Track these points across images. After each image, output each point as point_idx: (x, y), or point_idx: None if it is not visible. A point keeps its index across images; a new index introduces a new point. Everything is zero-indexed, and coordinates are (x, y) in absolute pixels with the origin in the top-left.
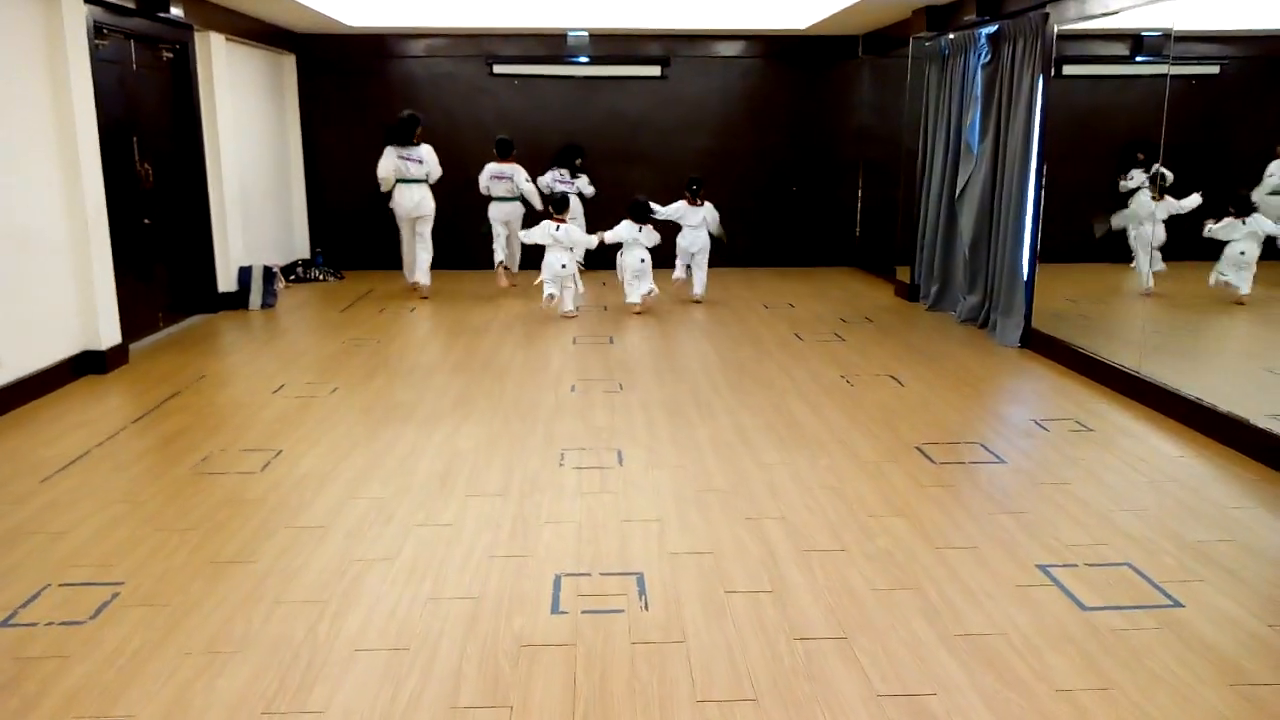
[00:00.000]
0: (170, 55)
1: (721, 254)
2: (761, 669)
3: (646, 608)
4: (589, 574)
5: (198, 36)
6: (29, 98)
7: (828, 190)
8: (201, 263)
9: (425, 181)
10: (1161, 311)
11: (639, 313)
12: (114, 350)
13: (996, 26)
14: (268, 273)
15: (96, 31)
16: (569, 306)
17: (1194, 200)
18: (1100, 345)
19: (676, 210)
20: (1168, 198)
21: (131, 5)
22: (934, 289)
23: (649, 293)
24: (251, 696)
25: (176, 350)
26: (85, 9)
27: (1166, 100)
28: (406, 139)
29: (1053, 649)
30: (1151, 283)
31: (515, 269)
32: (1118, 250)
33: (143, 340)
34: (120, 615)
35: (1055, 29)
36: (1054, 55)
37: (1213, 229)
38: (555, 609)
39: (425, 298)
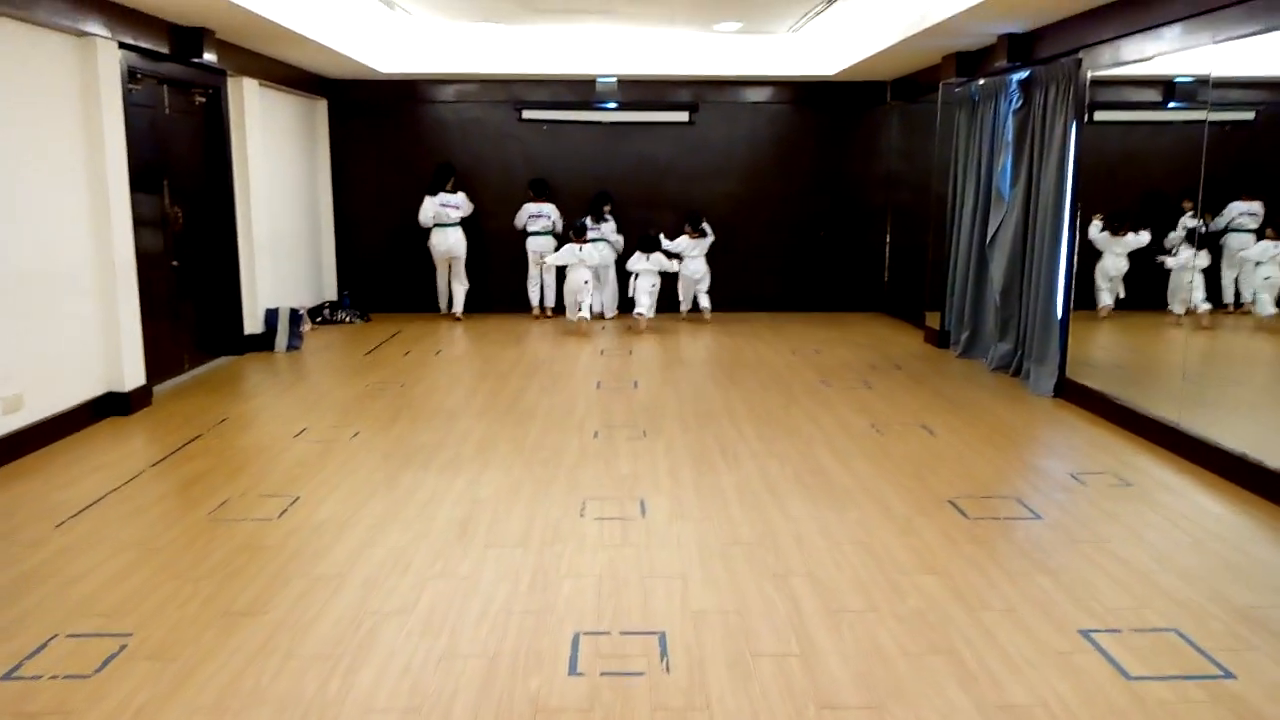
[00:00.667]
0: (203, 100)
1: (749, 299)
2: None
3: (668, 670)
4: (609, 632)
5: (230, 81)
6: (61, 139)
7: (856, 236)
8: (229, 305)
9: (459, 225)
10: (1202, 360)
11: (644, 330)
12: (138, 392)
13: (1028, 72)
14: (294, 315)
15: (130, 76)
16: (586, 314)
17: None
18: (1137, 395)
19: (680, 245)
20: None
21: (166, 50)
22: (965, 336)
23: (647, 313)
24: None
25: (201, 392)
26: (120, 53)
27: (1205, 146)
28: (442, 186)
29: None
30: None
31: (551, 302)
32: (1151, 297)
33: (168, 382)
34: (127, 669)
35: (1089, 75)
36: (1087, 101)
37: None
38: (573, 670)
39: (459, 319)
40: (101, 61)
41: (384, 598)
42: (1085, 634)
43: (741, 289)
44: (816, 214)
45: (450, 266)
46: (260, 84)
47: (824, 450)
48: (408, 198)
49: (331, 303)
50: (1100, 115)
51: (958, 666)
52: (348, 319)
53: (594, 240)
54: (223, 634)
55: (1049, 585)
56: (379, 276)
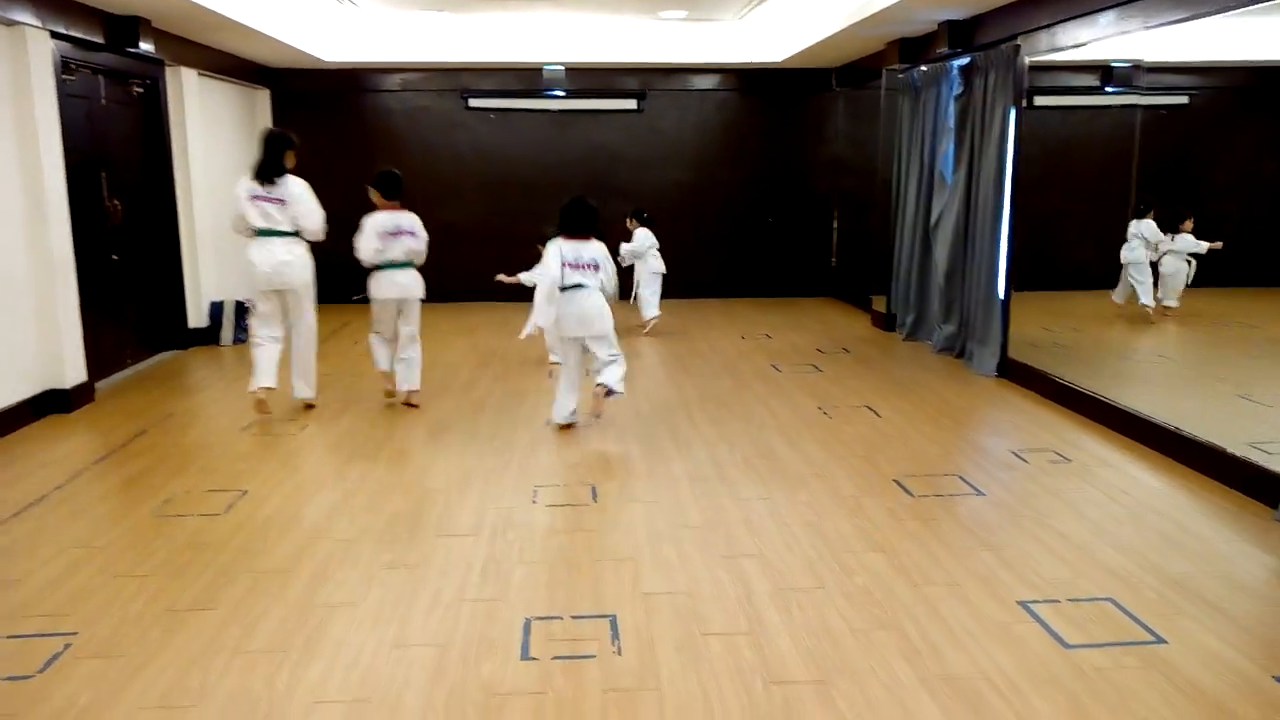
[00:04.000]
0: (141, 90)
1: (700, 285)
2: (737, 716)
3: (620, 652)
4: (561, 617)
5: (169, 71)
6: None
7: (804, 221)
8: (172, 298)
9: (414, 264)
10: (1139, 339)
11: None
12: (79, 389)
13: (969, 58)
14: (240, 308)
15: (64, 66)
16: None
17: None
18: (1077, 374)
19: (643, 239)
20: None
21: (100, 40)
22: (910, 319)
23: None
24: None
25: (145, 388)
26: (52, 43)
27: (1138, 130)
28: (394, 193)
29: (1036, 691)
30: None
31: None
32: (1098, 278)
33: (111, 378)
34: (71, 669)
35: (1026, 61)
36: (1025, 86)
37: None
38: (525, 655)
39: (416, 405)
40: (32, 51)
41: (333, 590)
42: (1025, 605)
43: (692, 275)
44: (765, 200)
45: (399, 317)
46: (200, 74)
47: (774, 433)
48: (354, 189)
49: None
50: (1040, 100)
51: (902, 640)
52: None
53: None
54: (169, 631)
55: (990, 559)
56: (328, 267)
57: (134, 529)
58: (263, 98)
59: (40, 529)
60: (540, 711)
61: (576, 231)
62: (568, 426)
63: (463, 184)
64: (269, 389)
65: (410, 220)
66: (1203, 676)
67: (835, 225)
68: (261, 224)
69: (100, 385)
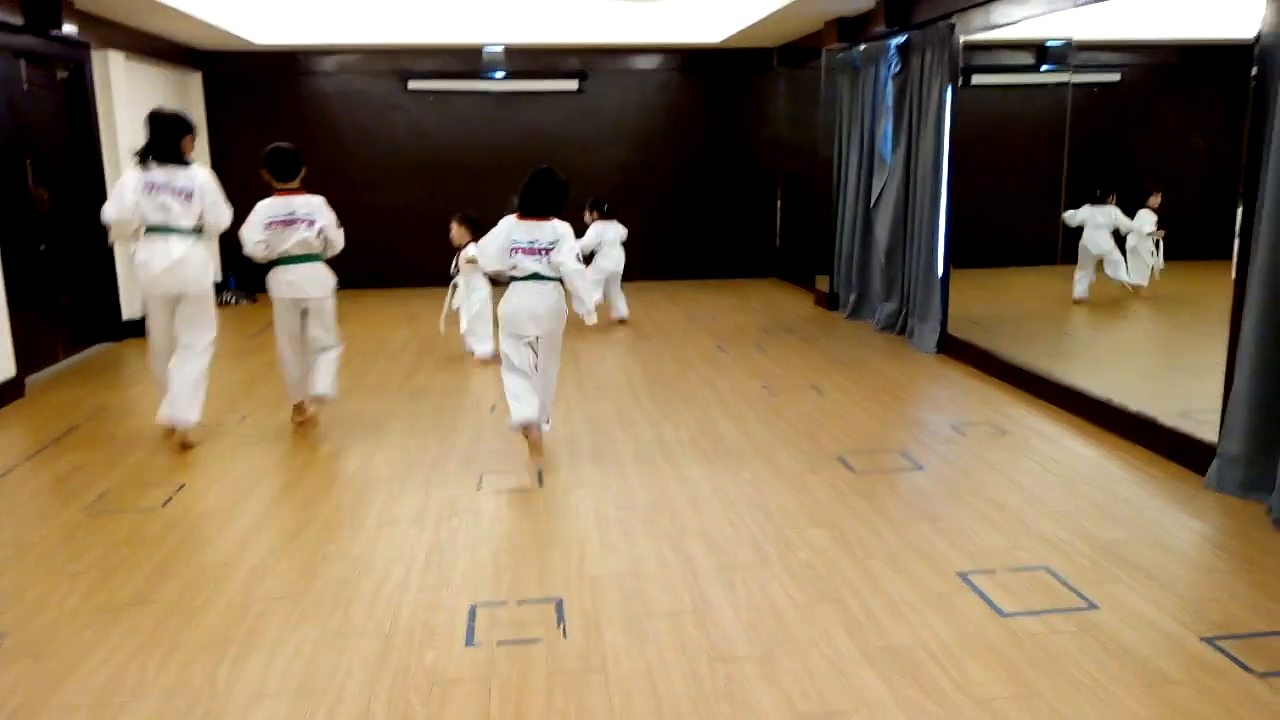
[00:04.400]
0: (65, 74)
1: (644, 267)
2: (682, 694)
3: (565, 635)
4: (506, 602)
5: (95, 55)
6: None
7: (747, 202)
8: (104, 289)
9: (319, 258)
10: (1076, 313)
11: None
12: (7, 384)
13: (905, 37)
14: None
15: None
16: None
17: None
18: (1014, 348)
19: (598, 233)
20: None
21: (18, 22)
22: (852, 298)
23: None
24: None
25: (77, 381)
26: None
27: (1069, 108)
28: (287, 174)
29: (973, 658)
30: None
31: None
32: (1035, 253)
33: (41, 372)
34: (1, 670)
35: (961, 39)
36: (960, 64)
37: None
38: (470, 641)
39: (303, 422)
40: None
41: (274, 582)
42: (963, 576)
43: (637, 258)
44: (707, 181)
45: (304, 321)
46: (127, 57)
47: (719, 414)
48: None
49: (216, 284)
50: (977, 79)
51: (844, 613)
52: (233, 300)
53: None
54: (104, 629)
55: (929, 532)
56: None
57: (66, 526)
58: (194, 81)
59: None
60: (484, 697)
61: (533, 210)
62: (528, 429)
63: (402, 167)
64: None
65: (308, 205)
66: (1133, 639)
67: (779, 206)
68: (157, 218)
69: (31, 380)
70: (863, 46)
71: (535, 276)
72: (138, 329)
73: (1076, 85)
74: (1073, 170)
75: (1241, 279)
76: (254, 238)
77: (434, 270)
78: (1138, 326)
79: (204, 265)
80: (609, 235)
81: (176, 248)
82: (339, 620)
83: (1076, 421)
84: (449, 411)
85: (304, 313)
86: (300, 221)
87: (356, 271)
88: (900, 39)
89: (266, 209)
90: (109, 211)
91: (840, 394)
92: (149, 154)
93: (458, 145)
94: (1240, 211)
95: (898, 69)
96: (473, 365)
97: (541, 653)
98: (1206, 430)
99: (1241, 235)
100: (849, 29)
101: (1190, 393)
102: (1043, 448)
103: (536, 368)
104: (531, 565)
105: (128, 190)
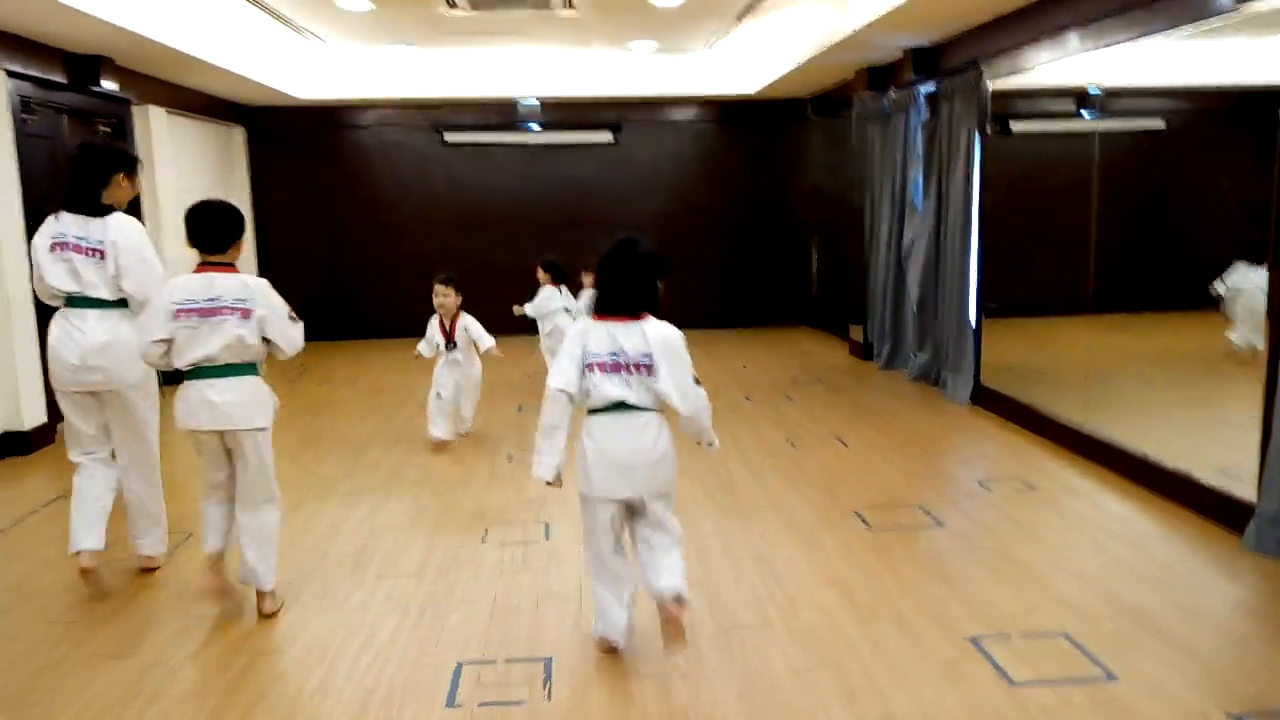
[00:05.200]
0: (107, 129)
1: (679, 317)
2: None
3: (549, 697)
4: (494, 661)
5: (136, 110)
6: None
7: (783, 251)
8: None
9: (253, 370)
10: (1118, 364)
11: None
12: (38, 430)
13: (934, 85)
14: None
15: (23, 105)
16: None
17: None
18: (1049, 400)
19: (545, 301)
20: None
21: (62, 80)
22: (886, 348)
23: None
24: None
25: None
26: (9, 83)
27: (1097, 155)
28: (213, 241)
29: None
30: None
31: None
32: (1073, 302)
33: None
34: None
35: (989, 85)
36: (989, 111)
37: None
38: (450, 702)
39: (218, 591)
40: None
41: (265, 633)
42: (974, 641)
43: (671, 307)
44: (744, 230)
45: (228, 461)
46: (169, 112)
47: (737, 465)
48: (329, 226)
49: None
50: (1016, 126)
51: (843, 681)
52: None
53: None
54: (87, 679)
55: (943, 593)
56: (303, 304)
57: (70, 575)
58: (238, 136)
59: None
60: None
61: (615, 304)
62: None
63: (438, 218)
64: (94, 551)
65: (240, 288)
66: (1152, 713)
67: (815, 254)
68: (66, 286)
69: (62, 426)
70: (892, 95)
71: (621, 407)
72: (171, 377)
73: (1119, 133)
74: (1113, 219)
75: (1276, 329)
76: (153, 333)
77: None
78: (1182, 378)
79: (133, 350)
80: (557, 301)
81: (95, 330)
82: (321, 675)
83: (1111, 477)
84: (466, 460)
85: (229, 452)
86: (226, 312)
87: (391, 321)
88: (929, 87)
89: (178, 290)
90: (148, 348)
91: (865, 446)
92: (66, 197)
93: (493, 196)
94: (1270, 260)
95: (927, 117)
96: (498, 413)
97: (522, 715)
98: (1246, 488)
99: (1272, 285)
100: (878, 78)
101: (1233, 448)
102: (1073, 504)
103: (645, 559)
104: (525, 622)
105: (36, 250)
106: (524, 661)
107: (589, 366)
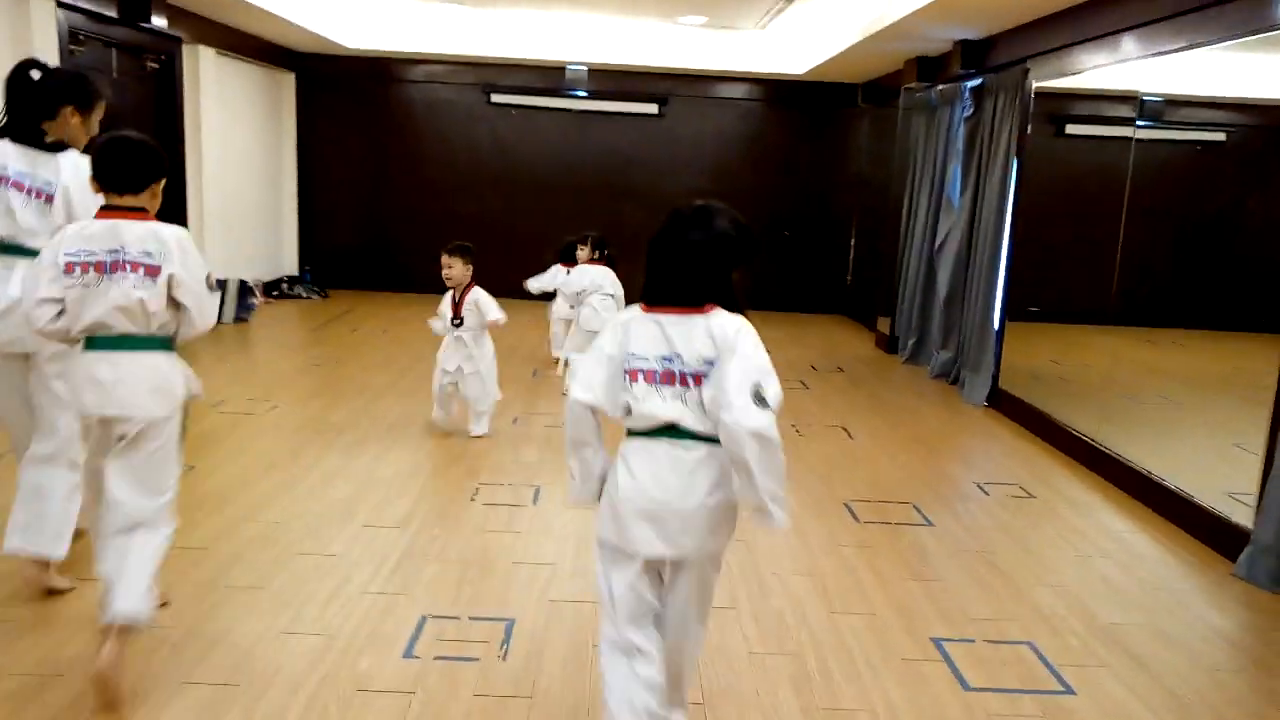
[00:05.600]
0: (155, 66)
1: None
2: None
3: (505, 658)
4: (458, 618)
5: (186, 49)
6: None
7: (822, 237)
8: None
9: (161, 343)
10: (1142, 378)
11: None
12: None
13: (980, 80)
14: (243, 287)
15: (72, 37)
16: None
17: None
18: (1069, 409)
19: (580, 279)
20: None
21: (113, 14)
22: (911, 342)
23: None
24: None
25: None
26: (58, 13)
27: (1131, 163)
28: (124, 180)
29: None
30: None
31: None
32: (1117, 313)
33: None
34: None
35: (1034, 85)
36: (1031, 110)
37: None
38: (408, 653)
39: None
40: (36, 20)
41: (241, 573)
42: (937, 642)
43: None
44: (784, 214)
45: (110, 450)
46: (218, 53)
47: None
48: (372, 177)
49: (291, 277)
50: (1071, 129)
51: (798, 668)
52: (305, 295)
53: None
54: (65, 602)
55: (916, 591)
56: (342, 253)
57: None
58: (288, 81)
59: None
60: (402, 712)
61: (667, 292)
62: None
63: (480, 178)
64: (41, 560)
65: (151, 238)
66: None
67: (853, 243)
68: (2, 229)
69: None
70: (940, 87)
71: (672, 432)
72: None
73: (1177, 142)
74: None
75: None
76: (39, 291)
77: (503, 283)
78: (1211, 398)
79: (151, 390)
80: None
81: (17, 283)
82: (288, 619)
83: (1114, 493)
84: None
85: (121, 438)
86: (129, 268)
87: (428, 275)
88: (974, 82)
89: (71, 239)
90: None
91: (870, 439)
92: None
93: (536, 160)
94: None
95: (970, 112)
96: (515, 376)
97: (474, 673)
98: (1248, 515)
99: None
100: (928, 69)
101: (1245, 473)
102: (1069, 516)
103: (664, 618)
104: (497, 582)
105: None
106: (487, 621)
107: (630, 374)
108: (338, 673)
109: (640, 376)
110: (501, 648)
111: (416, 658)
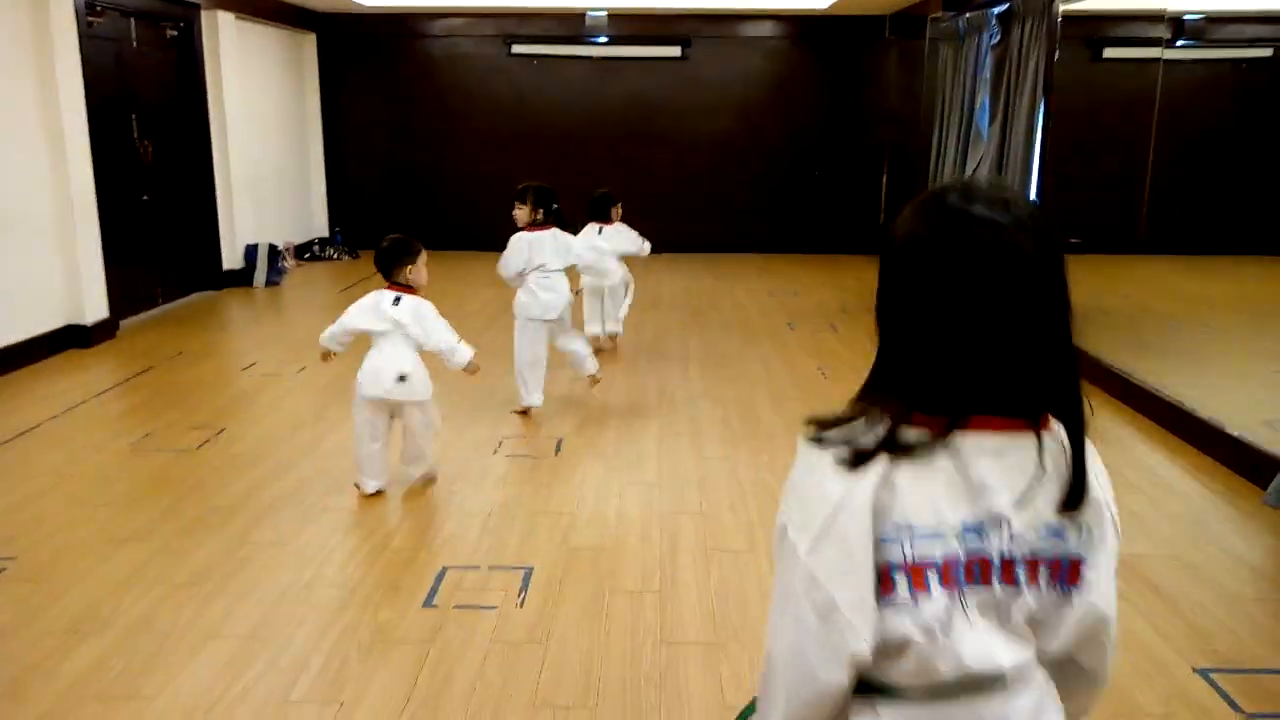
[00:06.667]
0: (174, 33)
1: (739, 240)
2: (615, 675)
3: (522, 605)
4: (478, 567)
5: (205, 14)
6: (13, 75)
7: (852, 175)
8: (206, 240)
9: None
10: (1185, 308)
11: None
12: (100, 325)
13: (1006, 5)
14: (273, 250)
15: (89, 8)
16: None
17: None
18: (1100, 343)
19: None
20: None
21: None
22: None
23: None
24: (90, 681)
25: (168, 326)
26: None
27: (1159, 86)
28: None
29: None
30: None
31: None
32: (1162, 242)
33: (139, 315)
34: (1, 590)
35: (1060, 8)
36: (1060, 35)
37: None
38: (428, 602)
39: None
40: None
41: (269, 529)
42: None
43: (732, 229)
44: (812, 153)
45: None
46: (238, 17)
47: (764, 394)
48: (399, 135)
49: (321, 239)
50: (1107, 52)
51: None
52: (335, 256)
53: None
54: (101, 560)
55: None
56: (371, 214)
57: (106, 461)
58: (309, 42)
59: (20, 457)
60: (420, 660)
61: (977, 392)
62: None
63: (503, 131)
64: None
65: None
66: (1115, 661)
67: (885, 180)
68: None
69: (126, 322)
70: (967, 15)
71: (997, 685)
72: (238, 279)
73: (1221, 60)
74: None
75: None
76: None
77: None
78: (1254, 326)
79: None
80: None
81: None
82: (313, 571)
83: (1148, 425)
84: (496, 372)
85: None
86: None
87: (452, 234)
88: (1001, 7)
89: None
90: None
91: None
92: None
93: (559, 110)
94: None
95: (997, 39)
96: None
97: (491, 620)
98: (1277, 442)
99: None
100: None
101: None
102: (1100, 450)
103: None
104: (516, 532)
105: None
106: (506, 569)
107: (909, 572)
108: (358, 623)
109: (932, 578)
110: (519, 595)
111: (436, 607)
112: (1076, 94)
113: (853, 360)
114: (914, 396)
